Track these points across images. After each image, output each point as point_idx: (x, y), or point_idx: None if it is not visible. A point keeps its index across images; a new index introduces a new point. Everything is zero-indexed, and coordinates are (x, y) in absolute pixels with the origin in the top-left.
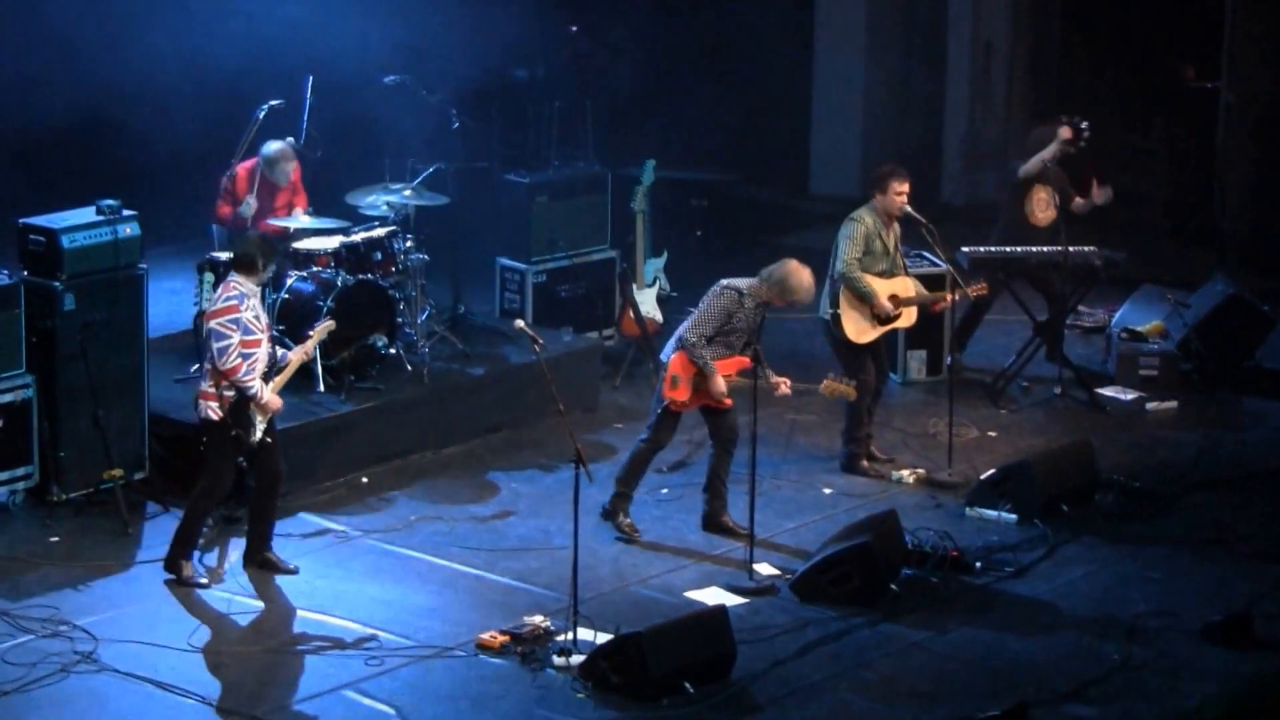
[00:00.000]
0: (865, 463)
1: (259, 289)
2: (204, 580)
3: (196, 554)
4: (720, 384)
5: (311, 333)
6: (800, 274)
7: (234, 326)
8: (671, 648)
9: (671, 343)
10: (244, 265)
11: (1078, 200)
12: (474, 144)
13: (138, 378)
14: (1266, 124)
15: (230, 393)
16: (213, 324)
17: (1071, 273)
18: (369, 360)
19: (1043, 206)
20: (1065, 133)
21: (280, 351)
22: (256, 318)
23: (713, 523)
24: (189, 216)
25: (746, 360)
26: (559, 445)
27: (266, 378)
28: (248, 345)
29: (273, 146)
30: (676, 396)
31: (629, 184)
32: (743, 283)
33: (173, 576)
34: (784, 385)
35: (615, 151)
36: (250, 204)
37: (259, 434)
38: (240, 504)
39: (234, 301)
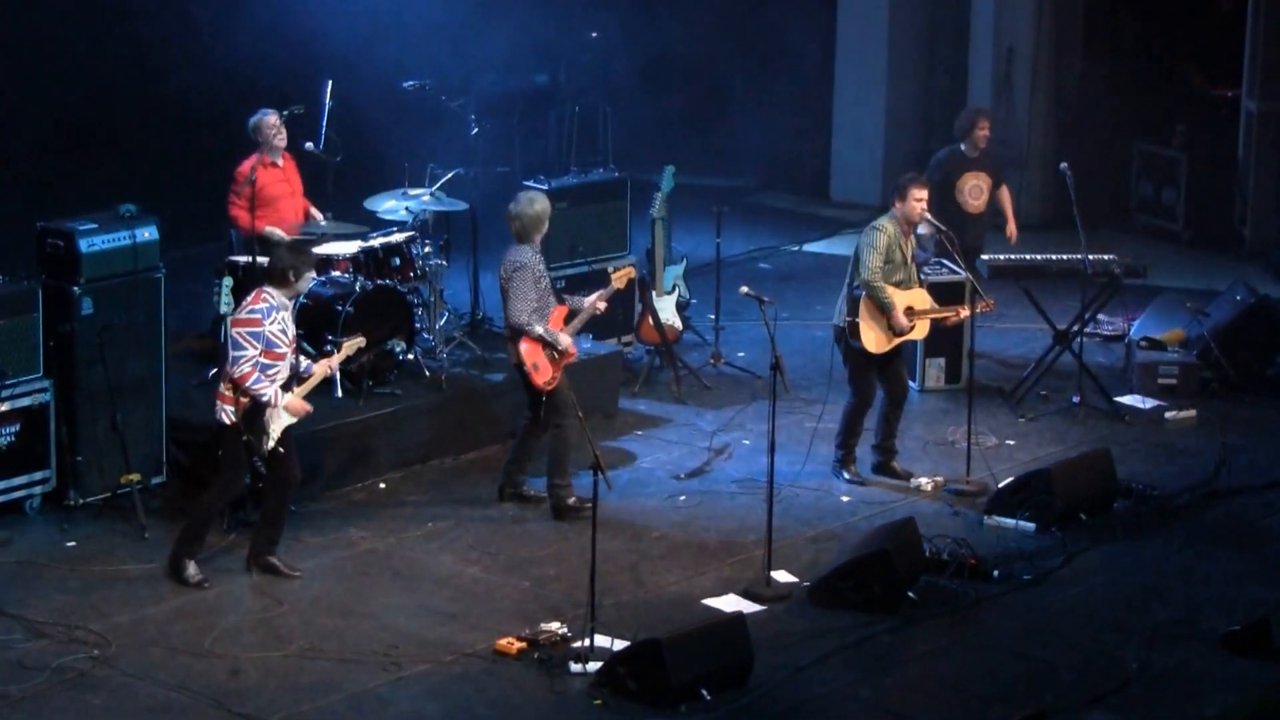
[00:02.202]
0: (852, 468)
1: (291, 301)
2: (206, 583)
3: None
4: (565, 339)
5: (342, 345)
6: (530, 203)
7: (254, 340)
8: (690, 654)
9: (513, 340)
10: (275, 277)
11: (1004, 190)
12: (493, 149)
13: (156, 382)
14: None
15: (246, 398)
16: (234, 332)
17: (1092, 281)
18: (387, 366)
19: (975, 194)
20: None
21: (305, 362)
22: (283, 331)
23: (557, 510)
24: (208, 220)
25: (564, 307)
26: (578, 452)
27: (287, 387)
28: (270, 357)
29: (253, 119)
30: (541, 379)
31: (648, 190)
32: (521, 254)
33: (173, 575)
34: (600, 302)
35: (635, 158)
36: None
37: (272, 442)
38: (259, 508)
39: (258, 315)
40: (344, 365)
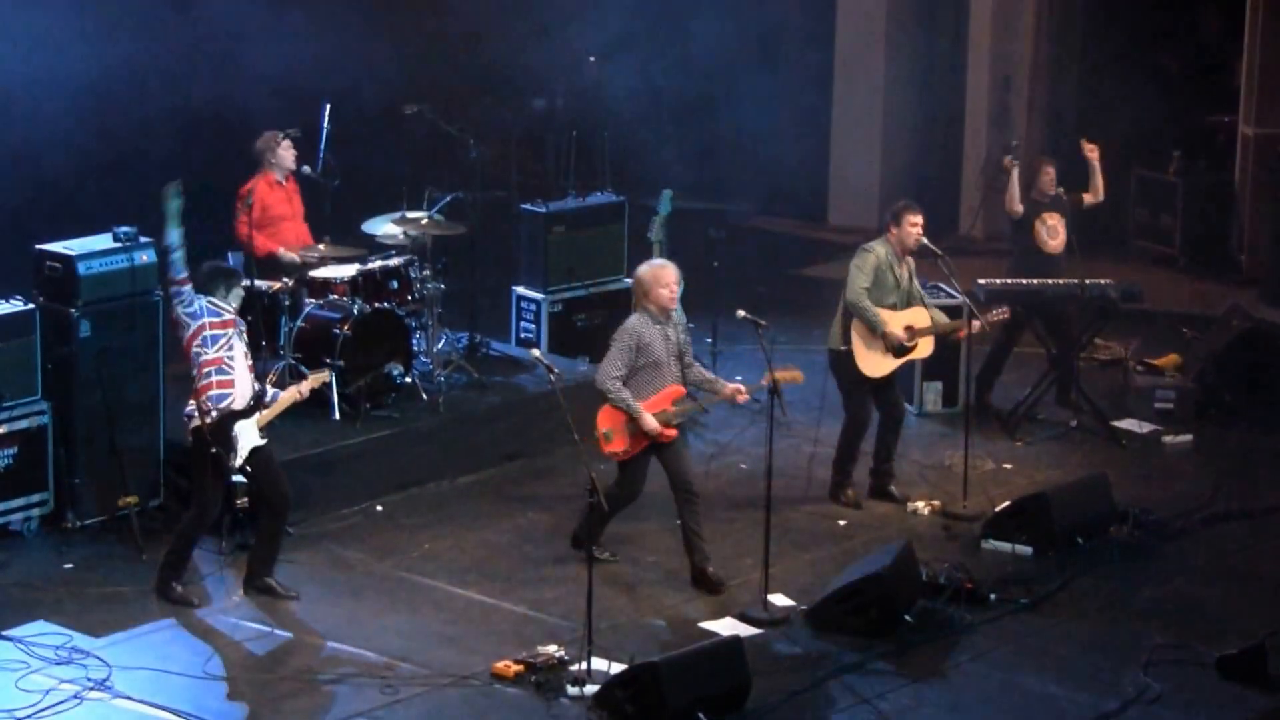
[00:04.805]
0: (849, 492)
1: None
2: (195, 600)
3: (212, 579)
4: (651, 422)
5: (311, 376)
6: (650, 267)
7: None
8: (687, 678)
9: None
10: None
11: (1087, 196)
12: (491, 173)
13: (154, 405)
14: None
15: (213, 413)
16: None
17: (1088, 306)
18: (385, 389)
19: (1051, 234)
20: (1007, 164)
21: (271, 390)
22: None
23: (695, 576)
24: (205, 243)
25: (680, 389)
26: (574, 474)
27: (252, 411)
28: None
29: (263, 137)
30: (614, 449)
31: (646, 214)
32: (630, 318)
33: (161, 596)
34: (741, 393)
35: (632, 181)
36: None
37: (240, 459)
38: (255, 530)
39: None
40: (342, 386)
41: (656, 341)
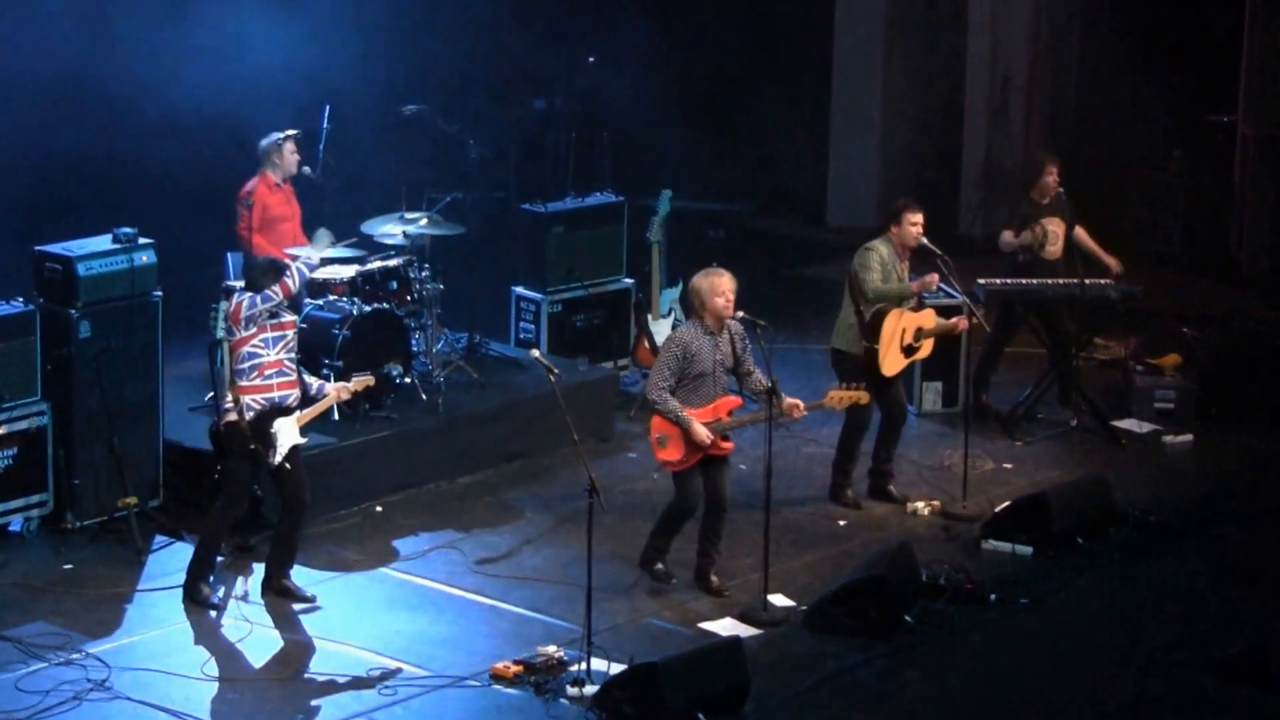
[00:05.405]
0: (849, 492)
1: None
2: (220, 605)
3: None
4: (700, 432)
5: (355, 379)
6: (706, 276)
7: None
8: (686, 678)
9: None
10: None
11: (1082, 232)
12: (491, 174)
13: (153, 405)
14: None
15: (254, 408)
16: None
17: (1087, 305)
18: (384, 389)
19: (1050, 240)
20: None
21: (317, 383)
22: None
23: (698, 576)
24: (204, 245)
25: (735, 400)
26: (573, 475)
27: (294, 409)
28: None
29: (269, 140)
30: (668, 458)
31: (645, 214)
32: (681, 326)
33: (190, 597)
34: (799, 409)
35: (631, 182)
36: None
37: (279, 456)
38: (255, 533)
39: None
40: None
41: (705, 351)
